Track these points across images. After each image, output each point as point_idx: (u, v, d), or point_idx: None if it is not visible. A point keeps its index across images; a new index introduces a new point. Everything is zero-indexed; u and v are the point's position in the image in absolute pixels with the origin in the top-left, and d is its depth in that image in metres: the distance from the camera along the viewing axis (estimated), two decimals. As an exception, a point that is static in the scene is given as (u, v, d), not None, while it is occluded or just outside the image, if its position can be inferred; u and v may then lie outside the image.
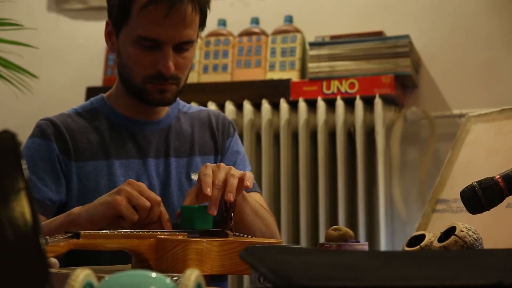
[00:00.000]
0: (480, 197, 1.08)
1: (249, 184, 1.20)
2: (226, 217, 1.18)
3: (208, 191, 1.16)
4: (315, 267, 0.72)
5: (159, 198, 1.18)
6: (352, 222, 2.41)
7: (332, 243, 1.02)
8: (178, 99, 1.54)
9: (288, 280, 0.66)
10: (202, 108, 1.61)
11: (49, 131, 1.43)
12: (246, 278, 2.37)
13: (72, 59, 2.88)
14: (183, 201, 1.43)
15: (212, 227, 1.17)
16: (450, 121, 2.50)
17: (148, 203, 1.15)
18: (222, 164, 1.23)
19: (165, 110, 1.52)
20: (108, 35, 1.47)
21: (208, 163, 1.24)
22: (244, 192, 1.29)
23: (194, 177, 1.28)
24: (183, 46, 1.39)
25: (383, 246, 2.34)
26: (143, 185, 1.18)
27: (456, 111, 2.49)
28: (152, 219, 1.16)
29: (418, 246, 1.10)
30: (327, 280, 0.68)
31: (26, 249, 0.63)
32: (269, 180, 2.48)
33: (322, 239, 2.37)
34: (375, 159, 2.41)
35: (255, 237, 1.29)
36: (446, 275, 0.74)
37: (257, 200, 1.43)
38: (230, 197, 1.17)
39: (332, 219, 2.43)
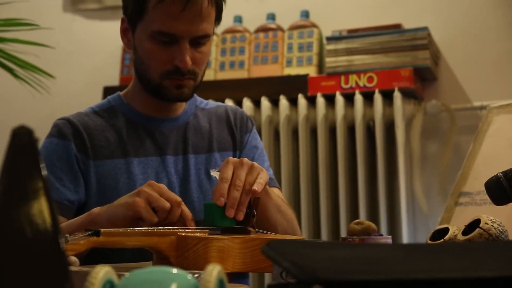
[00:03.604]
0: (505, 188, 1.06)
1: (256, 188, 1.18)
2: (248, 214, 1.16)
3: (221, 200, 1.15)
4: (338, 260, 0.71)
5: (179, 199, 1.16)
6: (373, 216, 2.39)
7: (355, 237, 1.00)
8: (195, 95, 1.53)
9: (312, 274, 0.65)
10: (220, 104, 1.60)
11: (66, 130, 1.42)
12: (267, 274, 2.36)
13: (88, 59, 2.89)
14: (202, 198, 1.42)
15: (235, 224, 1.16)
16: (470, 113, 2.47)
17: (167, 205, 1.14)
18: (245, 160, 1.21)
19: (182, 107, 1.51)
20: (124, 32, 1.46)
21: (230, 158, 1.22)
22: (267, 187, 1.28)
23: (213, 173, 1.27)
24: (199, 40, 1.38)
25: (405, 240, 2.32)
26: (163, 186, 1.17)
27: (476, 103, 2.46)
28: (172, 220, 1.15)
29: (442, 240, 1.08)
30: (351, 274, 0.66)
31: (45, 247, 0.63)
32: (289, 176, 2.47)
33: (343, 234, 2.36)
34: (395, 153, 2.40)
35: (277, 234, 1.28)
36: (471, 267, 0.72)
37: (278, 195, 1.42)
38: (257, 190, 1.17)
39: (353, 214, 2.41)
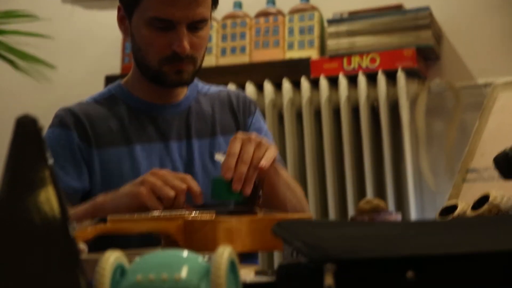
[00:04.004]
0: (514, 162, 1.05)
1: (264, 164, 1.18)
2: (254, 194, 1.16)
3: (229, 174, 1.15)
4: (350, 239, 0.71)
5: (184, 186, 1.16)
6: (380, 196, 2.38)
7: (364, 215, 0.99)
8: (196, 80, 1.52)
9: (323, 253, 0.64)
10: (222, 88, 1.59)
11: (68, 120, 1.42)
12: (277, 254, 2.36)
13: (89, 49, 2.88)
14: (207, 182, 1.42)
15: (241, 199, 1.16)
16: (475, 91, 2.45)
17: (172, 193, 1.14)
18: (253, 135, 1.22)
19: (183, 93, 1.50)
20: (121, 20, 1.45)
21: (239, 133, 1.22)
22: (276, 164, 1.28)
23: (218, 157, 1.27)
24: (197, 25, 1.37)
25: (413, 218, 2.31)
26: (167, 173, 1.17)
27: (481, 81, 2.45)
28: (177, 207, 1.15)
29: (451, 216, 1.07)
30: (363, 252, 0.66)
31: (54, 235, 0.62)
32: (294, 159, 2.46)
33: (350, 215, 2.35)
34: (401, 133, 2.39)
35: (285, 212, 1.28)
36: (484, 242, 0.72)
37: None
38: (264, 165, 1.17)
39: (360, 194, 2.41)
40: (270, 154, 1.21)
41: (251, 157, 1.18)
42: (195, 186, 1.18)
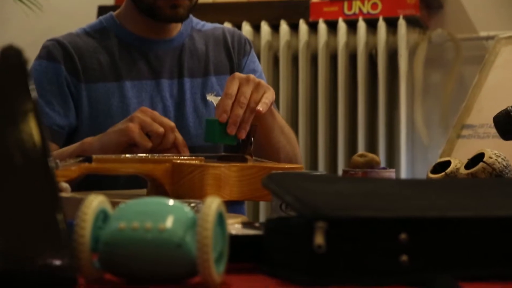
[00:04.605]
0: (515, 122, 1.02)
1: (261, 109, 1.15)
2: (245, 142, 1.13)
3: (224, 116, 1.12)
4: (343, 196, 0.69)
5: (173, 124, 1.15)
6: (372, 147, 2.38)
7: (357, 169, 0.98)
8: (191, 16, 1.48)
9: (314, 210, 0.62)
10: (217, 25, 1.54)
11: (56, 52, 1.38)
12: (262, 203, 2.36)
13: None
14: (198, 122, 1.39)
15: (236, 143, 1.14)
16: (476, 44, 2.42)
17: (161, 129, 1.12)
18: (251, 76, 1.18)
19: (177, 28, 1.46)
20: None
21: (236, 73, 1.19)
22: (272, 108, 1.25)
23: (210, 97, 1.24)
24: None
25: (403, 172, 2.32)
26: (156, 112, 1.16)
27: (483, 33, 2.41)
28: (166, 145, 1.14)
29: (444, 173, 1.06)
30: (355, 210, 0.64)
31: (34, 172, 0.60)
32: (287, 104, 2.45)
33: (340, 165, 2.35)
34: (397, 83, 2.37)
35: (277, 158, 1.26)
36: (481, 205, 0.70)
37: None
38: (261, 109, 1.14)
39: (352, 144, 2.40)
40: (268, 97, 1.17)
41: (248, 99, 1.14)
42: (180, 137, 1.16)
